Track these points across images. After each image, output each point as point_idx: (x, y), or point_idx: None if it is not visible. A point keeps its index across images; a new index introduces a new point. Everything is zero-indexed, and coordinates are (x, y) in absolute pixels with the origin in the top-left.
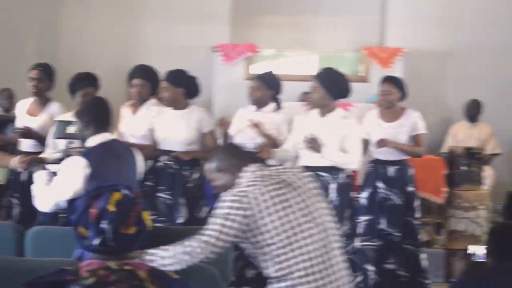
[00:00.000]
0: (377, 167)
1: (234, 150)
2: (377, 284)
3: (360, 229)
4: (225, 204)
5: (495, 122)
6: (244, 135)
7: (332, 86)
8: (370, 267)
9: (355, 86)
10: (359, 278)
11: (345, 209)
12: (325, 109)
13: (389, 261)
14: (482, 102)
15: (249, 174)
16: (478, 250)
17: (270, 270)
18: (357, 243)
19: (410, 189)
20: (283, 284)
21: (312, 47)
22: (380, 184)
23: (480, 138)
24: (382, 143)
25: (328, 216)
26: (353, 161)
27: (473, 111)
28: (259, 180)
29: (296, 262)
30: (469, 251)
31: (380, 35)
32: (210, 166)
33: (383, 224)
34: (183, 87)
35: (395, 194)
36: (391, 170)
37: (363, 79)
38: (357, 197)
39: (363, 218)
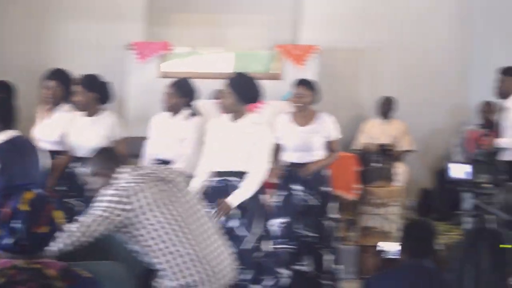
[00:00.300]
0: (292, 171)
1: (108, 154)
2: (285, 286)
3: (276, 232)
4: (105, 198)
5: (408, 119)
6: (159, 144)
7: (244, 91)
8: (283, 270)
9: (268, 84)
10: (271, 282)
11: (255, 212)
12: (237, 114)
13: (302, 263)
14: (395, 99)
15: (125, 175)
16: (389, 247)
17: (156, 262)
18: (271, 245)
19: (326, 189)
20: (170, 276)
21: (226, 44)
22: (296, 187)
23: (393, 135)
24: (307, 170)
25: (202, 211)
26: (258, 174)
27: (386, 108)
28: (137, 178)
29: (180, 255)
30: (379, 248)
31: (294, 33)
32: (85, 171)
33: (299, 227)
34: (96, 92)
35: (311, 196)
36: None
37: (277, 77)
38: (270, 201)
39: (278, 221)
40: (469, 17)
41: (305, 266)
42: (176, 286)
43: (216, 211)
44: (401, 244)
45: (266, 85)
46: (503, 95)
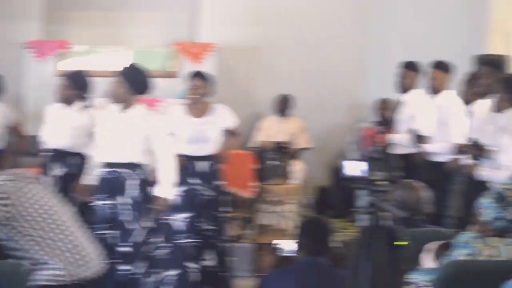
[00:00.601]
0: (187, 164)
1: None
2: (196, 281)
3: (180, 227)
4: None
5: (305, 116)
6: (52, 134)
7: (136, 82)
8: (191, 264)
9: (166, 82)
10: (173, 274)
11: (144, 205)
12: (126, 104)
13: (206, 257)
14: (292, 96)
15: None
16: (285, 244)
17: (35, 253)
18: (177, 240)
19: (219, 183)
20: (48, 265)
21: (125, 42)
22: (194, 181)
23: (290, 132)
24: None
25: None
26: (169, 163)
27: (283, 106)
28: (12, 177)
29: (58, 246)
30: (275, 245)
31: (191, 31)
32: None
33: (200, 221)
34: None
35: (208, 189)
36: (202, 165)
37: (174, 75)
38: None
39: (182, 216)
40: (365, 14)
41: (208, 260)
42: (53, 274)
43: (153, 209)
44: (297, 242)
45: (163, 83)
46: (404, 89)
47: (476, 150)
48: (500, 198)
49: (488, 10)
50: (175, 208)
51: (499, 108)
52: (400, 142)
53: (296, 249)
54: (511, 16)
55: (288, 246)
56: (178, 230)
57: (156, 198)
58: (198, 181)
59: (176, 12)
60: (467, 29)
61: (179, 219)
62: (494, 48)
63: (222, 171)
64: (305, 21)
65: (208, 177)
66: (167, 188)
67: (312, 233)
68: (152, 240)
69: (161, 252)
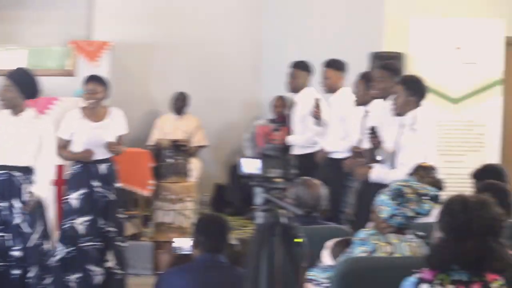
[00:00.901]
0: (87, 167)
1: None
2: (99, 283)
3: (81, 230)
4: None
5: (201, 114)
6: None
7: (25, 86)
8: (93, 267)
9: (62, 80)
10: (76, 277)
11: (37, 209)
12: (18, 109)
13: (108, 259)
14: (188, 94)
15: None
16: (183, 242)
17: None
18: (80, 244)
19: (118, 184)
20: None
21: (20, 41)
22: (95, 183)
23: (187, 130)
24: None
25: None
26: (48, 164)
27: (179, 104)
28: None
29: None
30: (173, 244)
31: (87, 29)
32: None
33: (102, 223)
34: None
35: (109, 191)
36: (102, 168)
37: (70, 73)
38: (66, 199)
39: (82, 219)
40: (260, 12)
41: (110, 262)
42: None
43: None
44: (194, 240)
45: (59, 82)
46: (294, 89)
47: (374, 139)
48: (398, 195)
49: (383, 7)
50: (76, 211)
51: (402, 110)
52: (295, 143)
53: (193, 247)
54: (406, 12)
55: (186, 244)
56: (80, 234)
57: (31, 195)
58: (99, 183)
59: (72, 10)
60: (363, 27)
61: (80, 222)
62: (391, 45)
63: (119, 171)
64: (199, 19)
65: (108, 179)
66: (43, 187)
67: (209, 230)
68: (45, 244)
69: (60, 257)
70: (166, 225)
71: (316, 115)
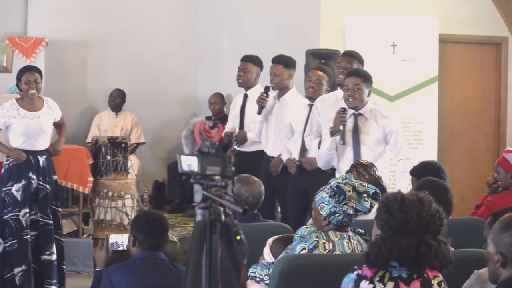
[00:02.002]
0: (27, 158)
1: None
2: (37, 275)
3: (24, 222)
4: None
5: (138, 111)
6: None
7: None
8: (33, 259)
9: None
10: (20, 270)
11: None
12: None
13: (47, 252)
14: (125, 91)
15: None
16: (121, 239)
17: None
18: (22, 236)
19: (55, 177)
20: None
21: None
22: (33, 175)
23: (125, 127)
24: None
25: None
26: None
27: (116, 101)
28: None
29: None
30: (111, 240)
31: (23, 25)
32: None
33: (41, 215)
34: None
35: (47, 184)
36: (41, 160)
37: (6, 70)
38: (7, 190)
39: (24, 211)
40: (196, 9)
41: (49, 254)
42: None
43: None
44: (132, 237)
45: None
46: (245, 84)
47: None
48: (337, 193)
49: (319, 2)
50: (19, 204)
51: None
52: (255, 139)
53: (130, 244)
54: (342, 8)
55: (121, 240)
56: (24, 226)
57: None
58: (36, 175)
59: (8, 6)
60: (299, 23)
61: (22, 215)
62: (327, 42)
63: (58, 169)
64: (136, 16)
65: (45, 171)
66: None
67: (148, 228)
68: None
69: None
70: (106, 222)
71: (262, 102)
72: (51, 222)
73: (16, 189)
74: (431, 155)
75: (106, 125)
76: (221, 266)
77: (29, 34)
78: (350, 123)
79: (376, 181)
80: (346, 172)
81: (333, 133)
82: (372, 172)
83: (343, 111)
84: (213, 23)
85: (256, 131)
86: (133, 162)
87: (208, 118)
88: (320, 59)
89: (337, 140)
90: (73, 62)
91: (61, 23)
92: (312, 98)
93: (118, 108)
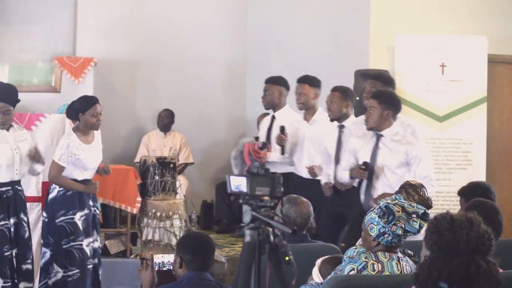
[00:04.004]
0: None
1: None
2: None
3: (85, 252)
4: None
5: (186, 131)
6: None
7: (12, 97)
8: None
9: (47, 97)
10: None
11: None
12: (9, 124)
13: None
14: (174, 111)
15: None
16: (163, 259)
17: None
18: (86, 266)
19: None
20: None
21: (1, 57)
22: (91, 203)
23: (173, 147)
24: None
25: None
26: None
27: (165, 121)
28: None
29: None
30: (155, 260)
31: (71, 45)
32: None
33: (96, 242)
34: None
35: (97, 210)
36: None
37: (55, 90)
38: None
39: (87, 241)
40: (245, 29)
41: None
42: None
43: None
44: (178, 258)
45: (43, 98)
46: (268, 105)
47: (363, 173)
48: (386, 213)
49: (368, 23)
50: (81, 233)
51: (377, 125)
52: (275, 160)
53: (176, 265)
54: (392, 29)
55: (166, 260)
56: (87, 255)
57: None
58: (93, 202)
59: (57, 26)
60: (348, 44)
61: (86, 244)
62: (377, 62)
63: (106, 189)
64: (184, 35)
65: (95, 197)
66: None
67: (195, 249)
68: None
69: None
70: (154, 243)
71: (282, 142)
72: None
73: (78, 217)
74: (480, 176)
75: (154, 145)
76: (269, 287)
77: (78, 54)
78: (372, 143)
79: (426, 202)
80: (396, 193)
81: (352, 177)
82: (421, 193)
83: (364, 168)
84: (262, 42)
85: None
86: (182, 182)
87: (257, 139)
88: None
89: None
90: (122, 82)
91: (110, 43)
92: (332, 119)
93: (166, 128)
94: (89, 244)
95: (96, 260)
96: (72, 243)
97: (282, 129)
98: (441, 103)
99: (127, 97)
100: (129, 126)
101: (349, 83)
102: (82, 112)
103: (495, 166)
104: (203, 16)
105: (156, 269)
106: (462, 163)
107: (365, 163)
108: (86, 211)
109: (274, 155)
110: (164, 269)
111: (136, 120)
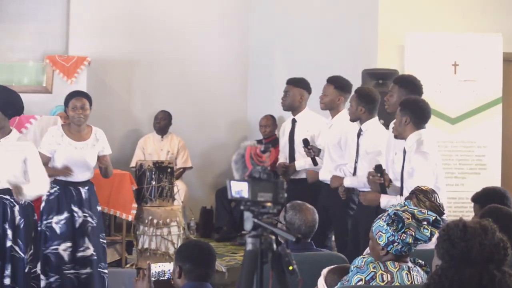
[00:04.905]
0: (67, 190)
1: None
2: None
3: (64, 257)
4: None
5: (185, 134)
6: None
7: (8, 106)
8: None
9: (38, 98)
10: None
11: (29, 233)
12: (2, 132)
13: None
14: (171, 113)
15: None
16: (167, 268)
17: None
18: (63, 271)
19: (99, 208)
20: None
21: None
22: (75, 208)
23: (171, 151)
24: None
25: None
26: (42, 187)
27: (163, 123)
28: None
29: None
30: (153, 270)
31: (64, 43)
32: None
33: (83, 249)
34: None
35: (90, 216)
36: (83, 192)
37: (46, 90)
38: (48, 223)
39: (64, 246)
40: (247, 27)
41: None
42: None
43: None
44: (177, 267)
45: (34, 99)
46: (288, 107)
47: (380, 179)
48: (395, 220)
49: (377, 21)
50: (57, 237)
51: (401, 132)
52: (303, 167)
53: (175, 274)
54: (401, 27)
55: (164, 269)
56: (62, 261)
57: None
58: (79, 208)
59: (49, 24)
60: (356, 42)
61: (61, 249)
62: (385, 61)
63: (100, 195)
64: (183, 34)
65: (89, 203)
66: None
67: (195, 258)
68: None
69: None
70: (150, 251)
71: (310, 155)
72: (96, 257)
73: (55, 221)
74: (495, 181)
75: (151, 149)
76: None
77: (71, 53)
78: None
79: (437, 209)
80: (405, 199)
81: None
82: (433, 199)
83: (378, 174)
84: (265, 42)
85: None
86: (180, 187)
87: (259, 142)
88: (377, 79)
89: None
90: (117, 82)
91: (104, 41)
92: (351, 121)
93: (164, 131)
94: (67, 249)
95: (88, 269)
96: (49, 248)
97: (306, 142)
98: (453, 104)
99: (123, 98)
100: (124, 129)
101: (356, 83)
102: (66, 106)
103: (511, 171)
104: (203, 13)
105: (155, 278)
106: (476, 168)
107: (378, 166)
108: (65, 214)
109: (299, 163)
110: (163, 278)
111: (131, 122)
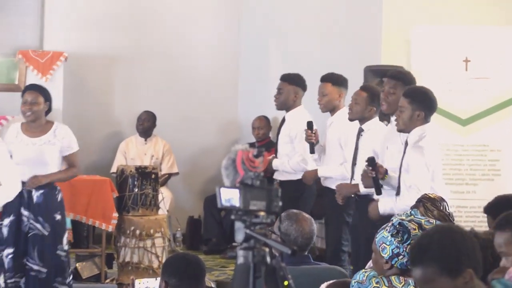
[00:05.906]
0: (21, 192)
1: None
2: None
3: (7, 264)
4: None
5: (171, 137)
6: None
7: None
8: None
9: (10, 96)
10: None
11: None
12: None
13: None
14: (156, 114)
15: None
16: (147, 283)
17: None
18: (3, 280)
19: (58, 217)
20: None
21: None
22: (25, 212)
23: (155, 155)
24: (33, 182)
25: None
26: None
27: (146, 124)
28: None
29: None
30: (137, 286)
31: (39, 37)
32: None
33: (27, 258)
34: None
35: (40, 223)
36: (35, 196)
37: (18, 88)
38: None
39: (7, 251)
40: (238, 20)
41: None
42: None
43: None
44: (164, 282)
45: (5, 98)
46: (282, 105)
47: (372, 172)
48: (400, 231)
49: (381, 14)
50: (2, 241)
51: (406, 126)
52: (281, 168)
53: None
54: (407, 20)
55: (150, 285)
56: (5, 268)
57: None
58: (29, 212)
59: (22, 17)
60: (358, 37)
61: (4, 255)
62: (390, 57)
63: (62, 202)
64: (169, 29)
65: (42, 209)
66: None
67: (182, 272)
68: None
69: None
70: (132, 265)
71: (310, 139)
72: (44, 270)
73: (5, 224)
74: (510, 188)
75: (133, 153)
76: None
77: (46, 47)
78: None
79: (446, 218)
80: (412, 208)
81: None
82: (441, 208)
83: (370, 168)
84: (258, 35)
85: (293, 164)
86: (165, 195)
87: (251, 145)
88: (381, 77)
89: None
90: (96, 79)
91: (83, 36)
92: (350, 119)
93: (147, 133)
94: (9, 255)
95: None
96: None
97: (310, 124)
98: (464, 104)
99: (103, 97)
100: (104, 131)
101: (358, 81)
102: None
103: None
104: (191, 5)
105: None
106: (489, 173)
107: (370, 158)
108: (11, 217)
109: (275, 162)
110: None
111: (112, 123)
